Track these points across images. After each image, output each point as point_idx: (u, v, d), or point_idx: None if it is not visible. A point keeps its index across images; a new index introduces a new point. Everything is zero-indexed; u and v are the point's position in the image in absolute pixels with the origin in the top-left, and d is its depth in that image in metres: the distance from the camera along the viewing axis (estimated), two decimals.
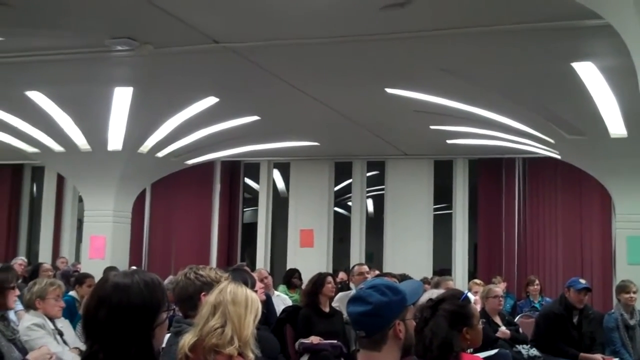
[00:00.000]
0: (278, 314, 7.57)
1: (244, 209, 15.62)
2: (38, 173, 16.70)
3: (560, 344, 7.31)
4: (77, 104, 9.49)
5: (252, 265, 13.64)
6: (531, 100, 8.46)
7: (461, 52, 7.16)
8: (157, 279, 2.46)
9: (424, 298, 3.59)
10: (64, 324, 5.66)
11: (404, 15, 6.01)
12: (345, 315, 7.42)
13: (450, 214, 14.07)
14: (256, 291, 4.61)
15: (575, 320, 7.42)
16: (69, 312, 6.68)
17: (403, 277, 7.52)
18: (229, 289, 3.13)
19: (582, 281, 7.58)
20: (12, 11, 6.13)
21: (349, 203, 14.91)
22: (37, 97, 9.17)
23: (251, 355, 3.14)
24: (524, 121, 9.45)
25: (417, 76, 8.07)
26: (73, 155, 11.00)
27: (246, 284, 3.84)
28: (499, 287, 8.27)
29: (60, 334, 5.40)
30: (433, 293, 4.03)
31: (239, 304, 3.09)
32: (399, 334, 2.67)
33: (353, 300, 2.76)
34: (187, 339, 3.03)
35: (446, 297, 3.55)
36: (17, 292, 4.63)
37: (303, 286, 11.24)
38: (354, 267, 8.57)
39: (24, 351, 4.51)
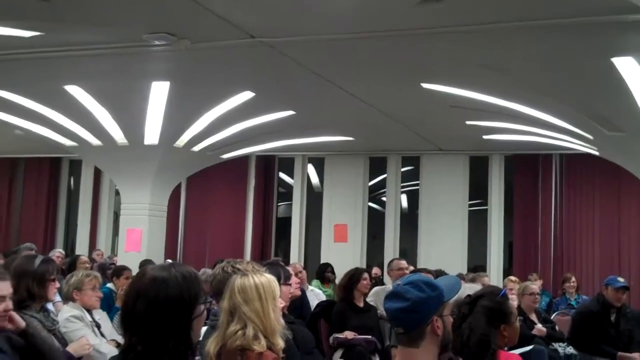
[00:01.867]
0: (312, 308, 7.57)
1: (278, 204, 15.67)
2: (76, 166, 16.90)
3: (597, 342, 7.22)
4: (114, 98, 9.58)
5: (286, 259, 13.68)
6: (570, 95, 8.36)
7: (498, 47, 7.10)
8: (194, 272, 2.47)
9: (461, 294, 3.57)
10: (101, 316, 5.71)
11: (441, 10, 5.97)
12: (379, 310, 7.43)
13: (486, 210, 13.97)
14: (290, 284, 4.65)
15: (612, 318, 7.33)
16: (107, 304, 6.76)
17: (439, 273, 7.49)
18: (236, 290, 3.12)
19: (621, 279, 7.46)
20: (51, 6, 6.19)
21: (384, 198, 14.87)
22: (75, 91, 9.27)
23: (281, 343, 3.14)
24: (562, 117, 9.34)
25: (453, 71, 8.01)
26: (110, 149, 11.12)
27: (279, 279, 3.85)
28: (535, 285, 8.20)
29: (98, 326, 5.45)
30: (471, 289, 4.00)
31: (251, 300, 3.08)
32: (437, 330, 2.65)
33: (391, 297, 2.75)
34: (212, 347, 3.03)
35: (484, 293, 3.52)
36: (57, 284, 4.67)
37: (337, 281, 11.28)
38: (392, 261, 8.53)
39: (63, 342, 4.54)
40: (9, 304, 3.43)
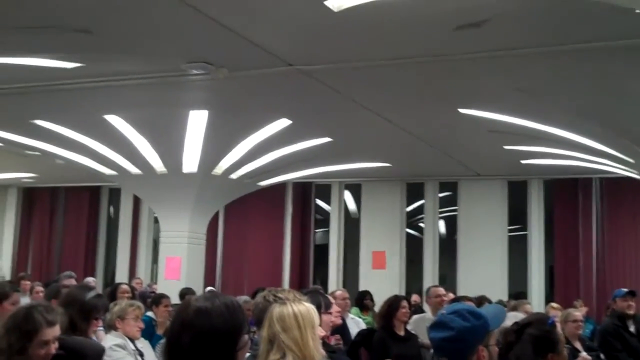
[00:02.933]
0: (352, 336, 7.50)
1: (316, 230, 15.66)
2: (115, 195, 17.10)
3: (622, 354, 7.11)
4: (153, 127, 9.69)
5: (324, 286, 13.62)
6: (611, 118, 8.25)
7: (537, 71, 7.05)
8: (237, 302, 2.46)
9: (506, 322, 3.50)
10: (143, 344, 5.72)
11: (478, 35, 5.95)
12: (420, 338, 7.34)
13: (525, 235, 13.81)
14: (331, 313, 4.61)
15: (632, 329, 7.26)
16: (148, 333, 6.77)
17: (481, 300, 7.38)
18: (275, 319, 3.10)
19: (624, 289, 7.51)
20: (92, 38, 6.30)
21: (421, 224, 14.78)
22: (115, 120, 9.40)
23: None
24: (601, 140, 9.23)
25: (491, 96, 7.97)
26: (149, 177, 11.22)
27: (320, 307, 3.82)
28: (579, 311, 8.03)
29: (141, 354, 5.46)
30: (514, 317, 3.93)
31: (290, 329, 3.05)
32: (483, 359, 2.61)
33: (435, 326, 2.71)
34: None
35: (532, 321, 3.45)
36: (100, 324, 4.64)
37: (375, 308, 11.18)
38: (429, 289, 8.44)
39: None
40: (52, 348, 3.44)
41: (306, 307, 3.15)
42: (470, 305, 3.32)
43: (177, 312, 2.49)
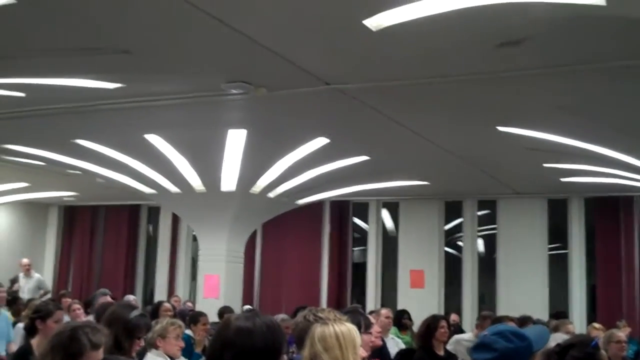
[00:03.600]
0: (392, 356, 7.45)
1: (353, 249, 15.62)
2: (154, 213, 17.27)
3: None
4: (192, 146, 9.78)
5: (362, 305, 13.56)
6: None
7: (577, 88, 6.97)
8: (277, 322, 2.47)
9: (550, 343, 3.46)
10: None
11: (518, 53, 5.91)
12: (460, 359, 7.26)
13: (566, 254, 13.64)
14: (371, 333, 4.59)
15: None
16: (187, 352, 6.79)
17: (524, 320, 7.27)
18: (317, 338, 3.09)
19: None
20: (132, 59, 6.38)
21: (460, 243, 14.68)
22: (155, 140, 9.51)
23: None
24: None
25: (530, 114, 7.90)
26: (188, 195, 11.32)
27: (360, 327, 3.81)
28: (622, 332, 7.88)
29: None
30: (559, 338, 3.88)
31: (331, 348, 3.04)
32: None
33: (478, 347, 2.69)
34: None
35: (575, 343, 3.41)
36: (142, 343, 4.66)
37: (414, 327, 11.09)
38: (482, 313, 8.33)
39: None
40: None
41: (347, 327, 3.15)
42: (513, 326, 3.29)
43: (218, 330, 2.50)
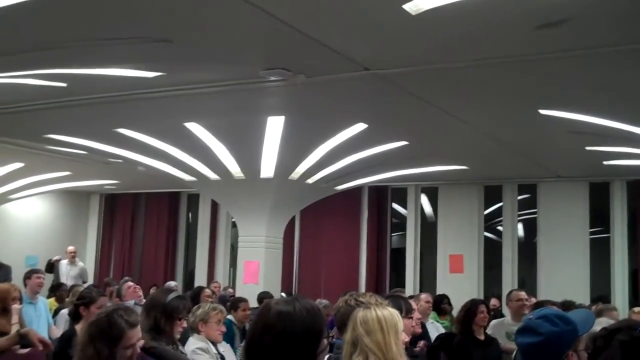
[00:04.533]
0: (432, 340, 7.46)
1: (392, 234, 15.60)
2: (194, 200, 17.43)
3: None
4: (232, 133, 9.84)
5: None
6: None
7: (620, 69, 6.84)
8: (317, 307, 2.47)
9: (595, 327, 3.43)
10: (225, 348, 5.80)
11: (560, 34, 5.83)
12: (500, 343, 7.24)
13: (608, 237, 13.47)
14: (412, 318, 4.59)
15: None
16: (229, 336, 6.87)
17: (566, 305, 7.21)
18: (359, 322, 3.11)
19: None
20: (172, 47, 6.42)
21: (499, 227, 14.57)
22: (194, 127, 9.58)
23: None
24: None
25: (572, 96, 7.80)
26: (227, 182, 11.40)
27: (400, 311, 3.81)
28: None
29: (223, 358, 5.55)
30: (604, 323, 3.84)
31: (373, 332, 3.06)
32: None
33: (522, 331, 2.69)
34: None
35: (621, 327, 3.36)
36: (185, 324, 4.72)
37: (454, 312, 11.06)
38: (511, 292, 8.32)
39: None
40: (137, 349, 3.52)
41: (390, 312, 3.16)
42: (558, 309, 3.26)
43: (258, 314, 2.52)
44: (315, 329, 2.37)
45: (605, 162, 11.44)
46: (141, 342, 3.54)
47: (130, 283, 9.23)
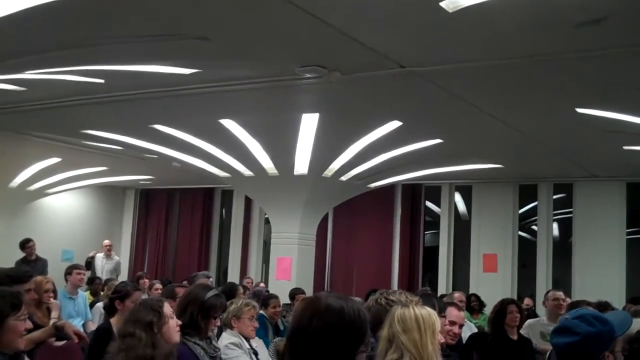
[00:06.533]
0: (464, 340, 7.42)
1: (425, 232, 15.55)
2: (228, 196, 17.53)
3: None
4: (266, 130, 9.88)
5: (433, 289, 13.52)
6: None
7: None
8: (365, 312, 2.48)
9: (632, 329, 3.40)
10: (258, 343, 5.84)
11: (598, 32, 5.76)
12: (534, 343, 7.19)
13: None
14: (444, 317, 4.58)
15: None
16: (263, 331, 6.91)
17: (602, 306, 7.12)
18: (396, 319, 3.11)
19: None
20: (209, 44, 6.47)
21: (534, 227, 14.45)
22: (230, 124, 9.64)
23: None
24: None
25: (611, 95, 7.70)
26: (261, 179, 11.46)
27: (435, 310, 3.81)
28: None
29: (255, 353, 5.58)
30: (637, 323, 3.80)
31: (410, 330, 3.06)
32: None
33: (559, 331, 2.67)
34: None
35: None
36: (218, 322, 4.76)
37: (485, 310, 11.01)
38: (548, 292, 8.27)
39: None
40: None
41: (428, 312, 3.17)
42: (594, 310, 3.24)
43: (308, 302, 2.53)
44: (360, 329, 2.38)
45: None
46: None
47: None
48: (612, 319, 2.75)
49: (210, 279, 11.88)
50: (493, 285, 13.33)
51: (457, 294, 8.72)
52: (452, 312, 4.94)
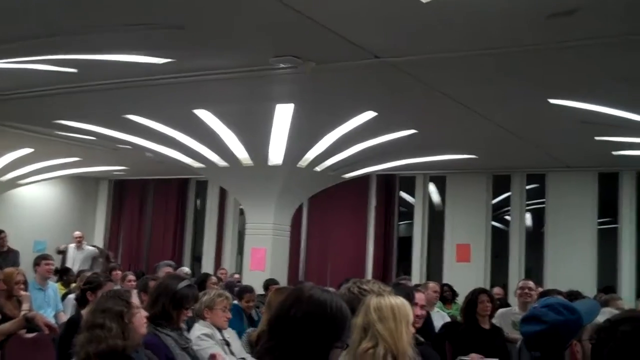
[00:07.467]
0: (437, 329, 7.48)
1: (399, 223, 15.61)
2: (202, 187, 17.46)
3: None
4: (241, 120, 9.85)
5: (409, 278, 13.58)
6: None
7: (630, 59, 6.82)
8: (348, 309, 2.48)
9: (600, 317, 3.44)
10: (230, 334, 5.83)
11: (571, 23, 5.81)
12: (506, 332, 7.26)
13: (616, 228, 13.44)
14: (416, 304, 4.60)
15: None
16: (237, 322, 6.89)
17: (573, 295, 7.21)
18: (372, 308, 3.13)
19: None
20: (183, 34, 6.44)
21: (507, 217, 14.56)
22: (204, 114, 9.59)
23: None
24: None
25: (583, 85, 7.77)
26: (236, 170, 11.42)
27: (409, 299, 3.83)
28: None
29: (228, 344, 5.57)
30: (609, 313, 3.85)
31: (386, 319, 3.08)
32: (576, 354, 2.59)
33: (527, 320, 2.70)
34: None
35: (625, 318, 3.37)
36: (190, 313, 4.75)
37: (457, 299, 11.09)
38: (518, 282, 8.37)
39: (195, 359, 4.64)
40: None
41: (402, 301, 3.20)
42: (562, 299, 3.28)
43: (290, 292, 2.53)
44: (339, 324, 2.39)
45: (614, 153, 11.40)
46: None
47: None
48: (580, 308, 2.78)
49: (186, 270, 11.87)
50: (466, 275, 13.41)
51: (431, 284, 8.78)
52: (417, 296, 4.96)
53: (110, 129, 11.03)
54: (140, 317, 3.63)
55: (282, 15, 5.88)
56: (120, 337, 3.43)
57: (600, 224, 13.60)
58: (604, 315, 3.57)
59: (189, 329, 5.16)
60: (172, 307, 4.39)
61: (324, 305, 2.36)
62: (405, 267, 15.25)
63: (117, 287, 7.58)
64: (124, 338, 3.44)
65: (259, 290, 9.51)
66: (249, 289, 8.63)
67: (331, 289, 8.02)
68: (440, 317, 8.22)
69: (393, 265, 15.18)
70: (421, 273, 14.76)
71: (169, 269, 9.27)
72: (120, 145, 12.54)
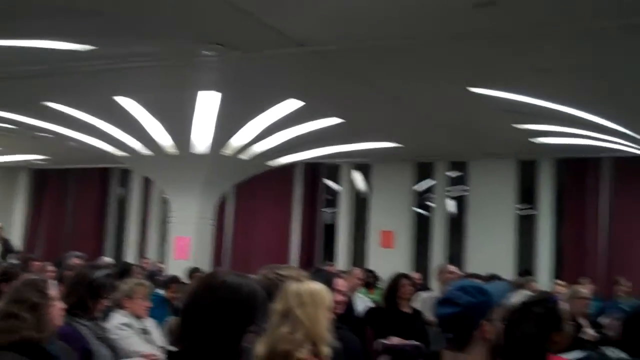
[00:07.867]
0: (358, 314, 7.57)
1: (325, 210, 15.71)
2: (125, 176, 17.19)
3: None
4: (164, 108, 9.75)
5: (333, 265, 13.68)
6: (624, 98, 8.22)
7: (552, 50, 6.98)
8: (263, 293, 2.48)
9: (513, 300, 3.57)
10: (150, 323, 5.78)
11: (494, 13, 5.91)
12: (426, 316, 7.41)
13: (535, 214, 13.83)
14: (334, 289, 4.66)
15: None
16: (160, 311, 6.83)
17: (491, 278, 7.42)
18: (292, 293, 3.16)
19: None
20: (103, 20, 6.33)
21: (431, 204, 14.83)
22: (126, 102, 9.45)
23: (327, 351, 3.16)
24: (613, 119, 9.20)
25: (502, 74, 7.94)
26: (160, 158, 11.29)
27: (329, 285, 3.88)
28: (586, 289, 8.07)
29: (147, 333, 5.54)
30: (524, 295, 4.00)
31: (305, 305, 3.12)
32: (486, 335, 2.67)
33: (442, 302, 2.77)
34: (261, 349, 3.02)
35: (536, 299, 3.52)
36: (107, 302, 4.69)
37: (379, 284, 11.24)
38: (440, 266, 8.56)
39: (112, 349, 4.58)
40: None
41: (321, 288, 3.23)
42: (475, 281, 3.38)
43: (204, 278, 2.52)
44: (252, 308, 2.38)
45: (533, 140, 11.69)
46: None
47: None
48: (491, 290, 2.86)
49: (107, 260, 11.68)
50: (391, 260, 13.58)
51: (356, 271, 8.89)
52: (337, 282, 5.03)
53: (29, 116, 10.78)
54: (57, 309, 3.55)
55: (206, 3, 5.84)
56: (34, 328, 3.35)
57: (520, 210, 13.97)
58: (519, 297, 3.71)
59: (105, 318, 5.09)
60: (89, 296, 4.34)
61: (236, 289, 2.36)
62: (329, 253, 15.38)
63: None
64: (39, 330, 3.36)
65: (184, 279, 9.45)
66: (176, 280, 8.57)
67: (252, 276, 7.99)
68: (363, 303, 8.33)
69: (318, 252, 15.29)
70: (346, 259, 14.91)
71: (77, 260, 9.10)
72: (39, 134, 12.22)
